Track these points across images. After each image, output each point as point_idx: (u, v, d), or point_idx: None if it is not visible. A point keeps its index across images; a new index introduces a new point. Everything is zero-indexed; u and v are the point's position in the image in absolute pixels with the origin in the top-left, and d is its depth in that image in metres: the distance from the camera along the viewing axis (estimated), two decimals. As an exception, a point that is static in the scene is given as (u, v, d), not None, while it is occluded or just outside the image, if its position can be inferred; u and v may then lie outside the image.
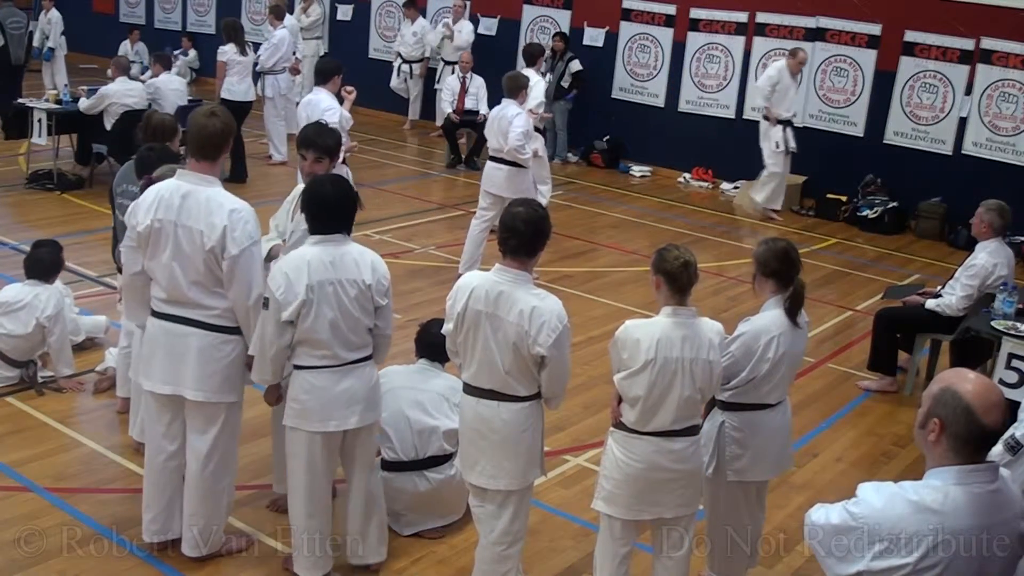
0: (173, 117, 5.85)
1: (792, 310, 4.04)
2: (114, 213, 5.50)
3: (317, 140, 4.57)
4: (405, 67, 14.19)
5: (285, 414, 4.13)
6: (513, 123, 7.92)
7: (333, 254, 3.97)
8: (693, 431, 3.82)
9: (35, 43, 13.50)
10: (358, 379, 4.08)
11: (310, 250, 3.98)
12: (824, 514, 2.57)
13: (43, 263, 5.99)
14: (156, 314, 4.16)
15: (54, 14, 14.14)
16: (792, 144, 10.97)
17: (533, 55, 10.34)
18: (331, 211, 4.02)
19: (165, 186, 4.08)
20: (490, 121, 8.22)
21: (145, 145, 5.20)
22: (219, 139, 4.08)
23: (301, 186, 4.75)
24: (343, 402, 4.05)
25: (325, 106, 7.51)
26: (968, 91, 11.03)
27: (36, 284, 5.89)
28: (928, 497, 2.46)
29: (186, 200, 3.99)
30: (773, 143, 10.93)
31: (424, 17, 14.37)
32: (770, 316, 4.06)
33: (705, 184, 12.65)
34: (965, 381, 2.51)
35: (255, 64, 11.37)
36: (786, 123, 10.96)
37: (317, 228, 4.01)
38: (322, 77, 7.79)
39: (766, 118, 11.01)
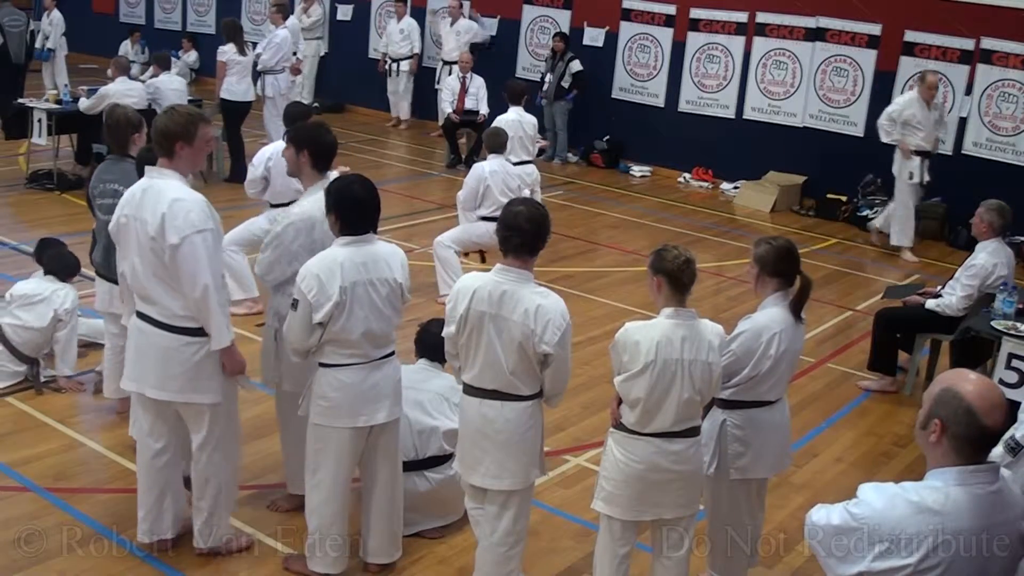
0: (137, 111, 5.85)
1: (798, 305, 4.05)
2: (94, 214, 5.51)
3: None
4: (393, 66, 14.22)
5: (312, 412, 4.13)
6: (535, 179, 8.24)
7: (364, 254, 4.00)
8: (693, 432, 3.82)
9: (36, 44, 13.50)
10: (385, 374, 4.13)
11: (341, 251, 3.99)
12: (825, 514, 2.57)
13: (66, 262, 6.11)
14: (136, 312, 4.20)
15: (56, 15, 14.14)
16: (926, 176, 9.86)
17: (518, 93, 9.58)
18: (361, 211, 4.04)
19: (136, 184, 4.15)
20: (495, 178, 7.70)
21: (145, 146, 5.22)
22: (167, 134, 4.05)
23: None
24: (372, 397, 4.08)
25: None
26: (968, 91, 11.03)
27: (54, 280, 5.98)
28: (929, 498, 2.45)
29: (144, 194, 4.04)
30: (907, 173, 9.88)
31: (425, 15, 14.40)
32: (771, 313, 4.06)
33: (705, 184, 12.65)
34: (966, 382, 2.50)
35: (255, 64, 11.37)
36: (924, 154, 9.85)
37: (347, 229, 4.02)
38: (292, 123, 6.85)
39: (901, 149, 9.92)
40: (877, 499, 2.49)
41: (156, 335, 4.08)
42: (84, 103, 9.81)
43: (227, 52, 10.84)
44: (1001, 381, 5.55)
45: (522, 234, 3.72)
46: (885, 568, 2.44)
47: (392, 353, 4.19)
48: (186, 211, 3.96)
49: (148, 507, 4.32)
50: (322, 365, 4.09)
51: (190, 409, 4.19)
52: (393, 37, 14.21)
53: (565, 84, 12.70)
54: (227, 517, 4.41)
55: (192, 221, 3.96)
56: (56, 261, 6.10)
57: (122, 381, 4.32)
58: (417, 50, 14.24)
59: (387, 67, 14.28)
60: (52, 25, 14.09)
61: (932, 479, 2.51)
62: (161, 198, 3.98)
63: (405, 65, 14.20)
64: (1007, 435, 3.45)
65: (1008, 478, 2.63)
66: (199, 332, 4.08)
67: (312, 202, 4.38)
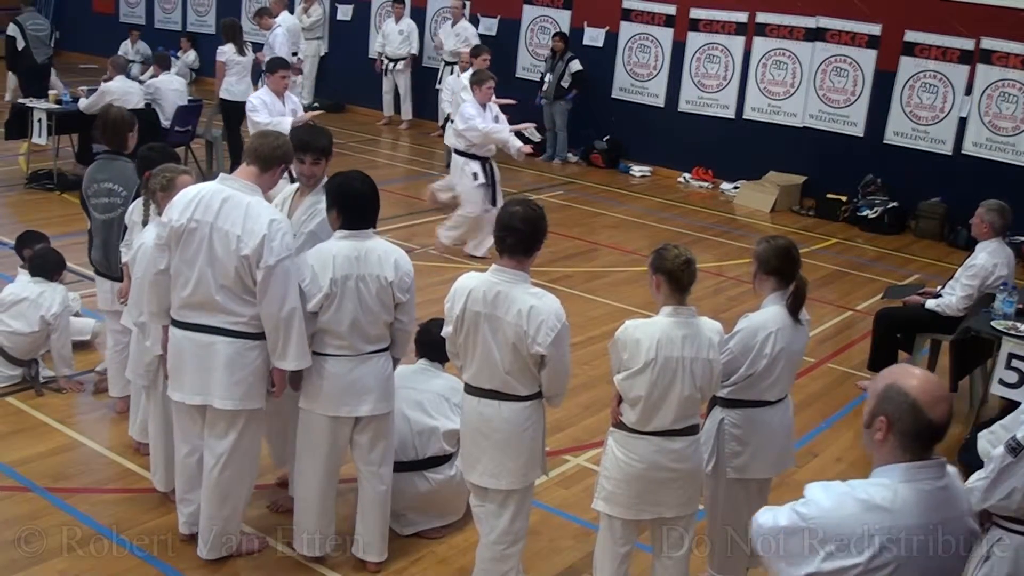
0: (130, 112, 5.91)
1: (795, 306, 4.05)
2: (88, 214, 5.50)
3: (313, 142, 4.53)
4: (391, 65, 14.22)
5: (300, 396, 4.20)
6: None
7: (359, 249, 4.04)
8: (693, 430, 3.83)
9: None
10: (372, 369, 4.15)
11: (337, 244, 4.06)
12: (772, 517, 2.52)
13: (48, 261, 5.99)
14: (179, 324, 4.13)
15: None
16: None
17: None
18: (361, 207, 4.10)
19: (206, 187, 4.09)
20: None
21: (147, 145, 5.23)
22: (279, 155, 4.13)
23: (291, 187, 4.78)
24: (357, 390, 4.12)
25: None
26: (968, 91, 11.03)
27: (41, 282, 5.87)
28: (877, 495, 2.41)
29: (226, 204, 3.98)
30: None
31: (425, 17, 14.40)
32: (769, 312, 4.06)
33: (705, 184, 12.65)
34: (910, 377, 2.47)
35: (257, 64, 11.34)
36: None
37: (345, 223, 4.08)
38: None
39: None
40: (825, 498, 2.45)
41: (222, 343, 4.05)
42: (84, 103, 9.81)
43: (226, 52, 10.83)
44: (1001, 381, 5.55)
45: (516, 234, 3.73)
46: (835, 568, 2.39)
47: (383, 350, 4.20)
48: (283, 233, 4.00)
49: (199, 502, 4.30)
50: (314, 353, 4.13)
51: (230, 415, 4.14)
52: (391, 38, 14.21)
53: (565, 84, 12.71)
54: (239, 525, 4.38)
55: (287, 244, 4.01)
56: (41, 261, 5.96)
57: (173, 394, 4.21)
58: (415, 51, 14.24)
59: (384, 67, 14.29)
60: None
61: (879, 476, 2.46)
62: (252, 213, 3.96)
63: (401, 66, 14.20)
64: (1008, 436, 3.44)
65: (954, 474, 2.57)
66: (259, 336, 4.09)
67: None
